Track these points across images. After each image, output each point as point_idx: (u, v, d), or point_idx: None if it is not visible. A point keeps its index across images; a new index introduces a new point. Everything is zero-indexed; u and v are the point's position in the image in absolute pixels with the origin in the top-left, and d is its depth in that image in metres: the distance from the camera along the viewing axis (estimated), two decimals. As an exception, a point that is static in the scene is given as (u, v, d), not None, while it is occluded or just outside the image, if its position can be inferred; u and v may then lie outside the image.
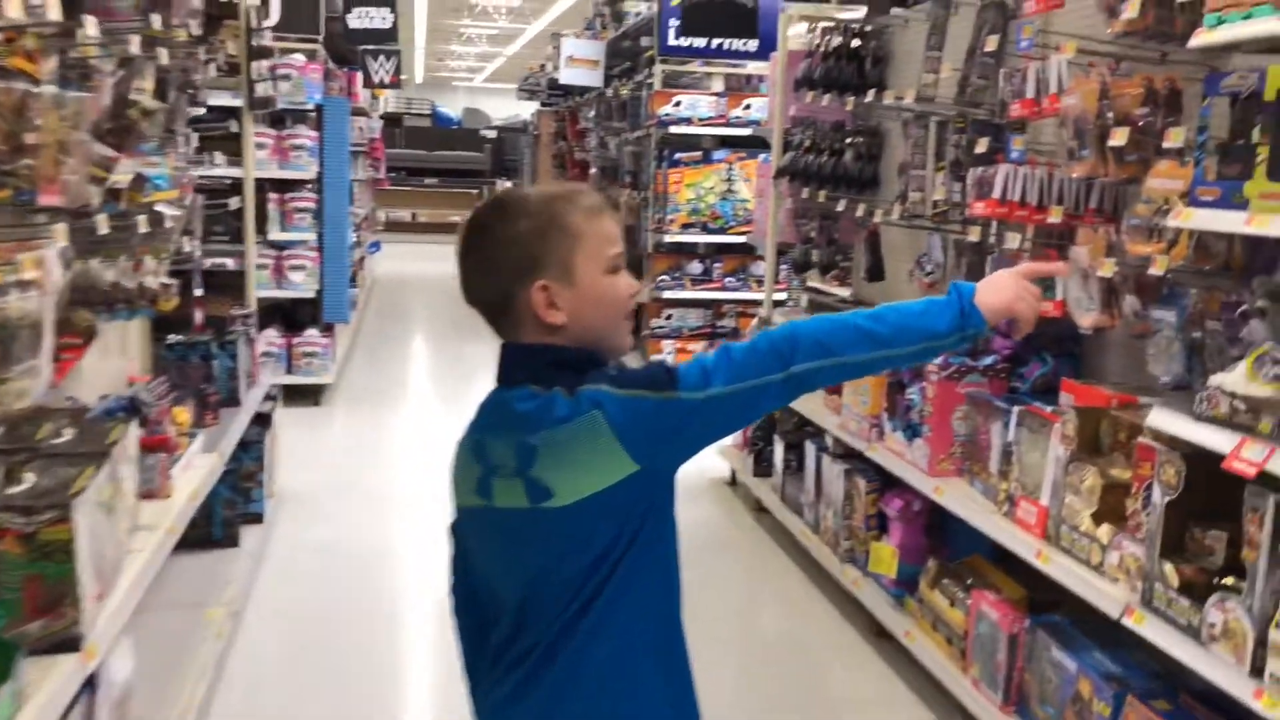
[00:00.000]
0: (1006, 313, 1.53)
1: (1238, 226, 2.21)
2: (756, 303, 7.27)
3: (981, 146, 3.59)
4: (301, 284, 7.22)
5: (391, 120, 25.54)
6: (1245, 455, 2.18)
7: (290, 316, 7.52)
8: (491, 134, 23.84)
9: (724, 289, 8.04)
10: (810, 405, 4.70)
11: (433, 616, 4.03)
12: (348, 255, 7.78)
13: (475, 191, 22.96)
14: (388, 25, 8.60)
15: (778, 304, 6.75)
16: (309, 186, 7.16)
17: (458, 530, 1.65)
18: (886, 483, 4.06)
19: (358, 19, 8.56)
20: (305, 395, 7.45)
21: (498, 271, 1.52)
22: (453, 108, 28.65)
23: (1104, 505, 2.80)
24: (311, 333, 7.48)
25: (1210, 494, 2.43)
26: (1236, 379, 2.30)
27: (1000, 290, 1.54)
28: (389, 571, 4.73)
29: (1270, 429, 2.20)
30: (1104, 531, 2.75)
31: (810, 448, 4.70)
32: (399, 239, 21.56)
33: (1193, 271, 2.85)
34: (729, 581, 4.71)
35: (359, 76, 10.40)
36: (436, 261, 17.40)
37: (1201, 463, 2.38)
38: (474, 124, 26.41)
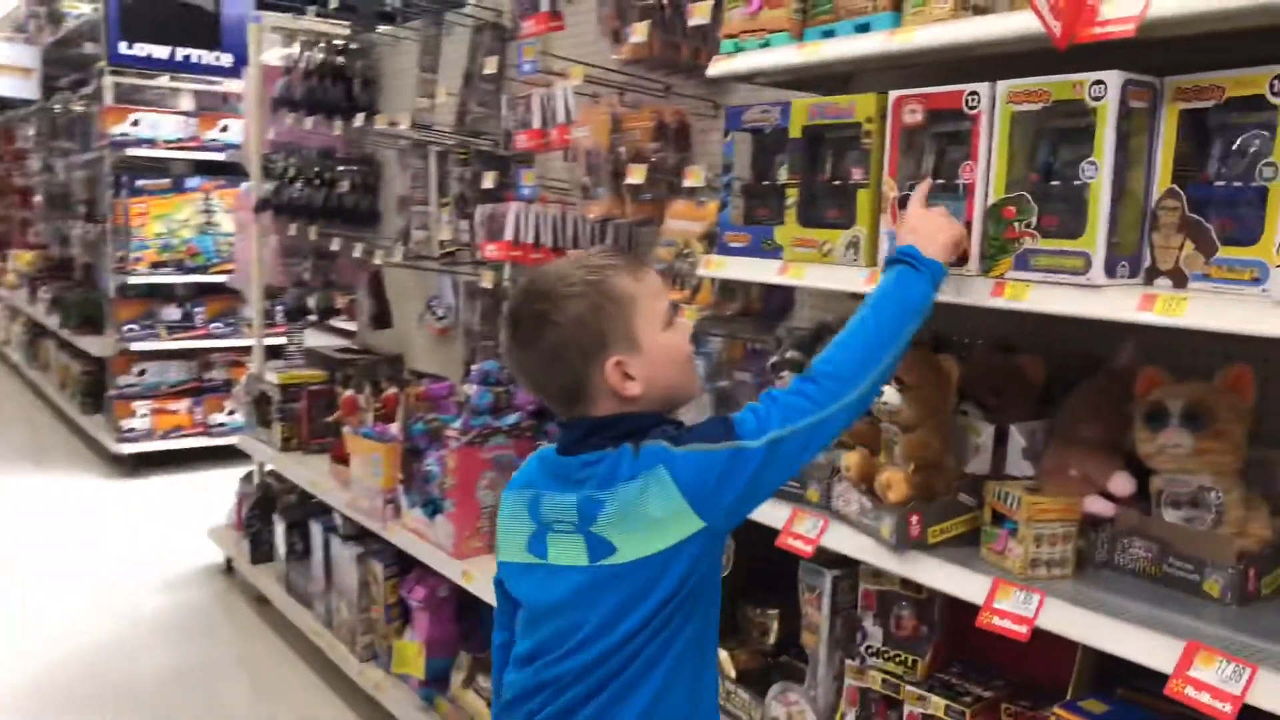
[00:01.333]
0: (952, 248, 1.63)
1: (770, 276, 1.99)
2: (248, 349, 6.35)
3: (489, 181, 3.20)
4: None
5: None
6: (798, 530, 1.96)
7: None
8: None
9: (210, 336, 6.97)
10: (314, 478, 4.03)
11: None
12: None
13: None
14: None
15: (274, 353, 5.93)
16: None
17: (505, 585, 1.64)
18: (407, 566, 3.52)
19: None
20: None
21: (564, 359, 1.50)
22: None
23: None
24: None
25: (760, 561, 2.22)
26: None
27: (937, 231, 1.63)
28: None
29: (819, 496, 2.00)
30: (651, 615, 2.45)
31: (316, 529, 4.01)
32: None
33: (713, 318, 2.67)
34: (227, 696, 3.86)
35: None
36: None
37: (747, 531, 2.14)
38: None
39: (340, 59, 4.58)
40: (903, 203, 1.77)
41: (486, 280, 3.23)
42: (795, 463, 1.51)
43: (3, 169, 11.32)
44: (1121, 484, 1.72)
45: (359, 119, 3.94)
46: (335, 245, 4.14)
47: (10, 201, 11.30)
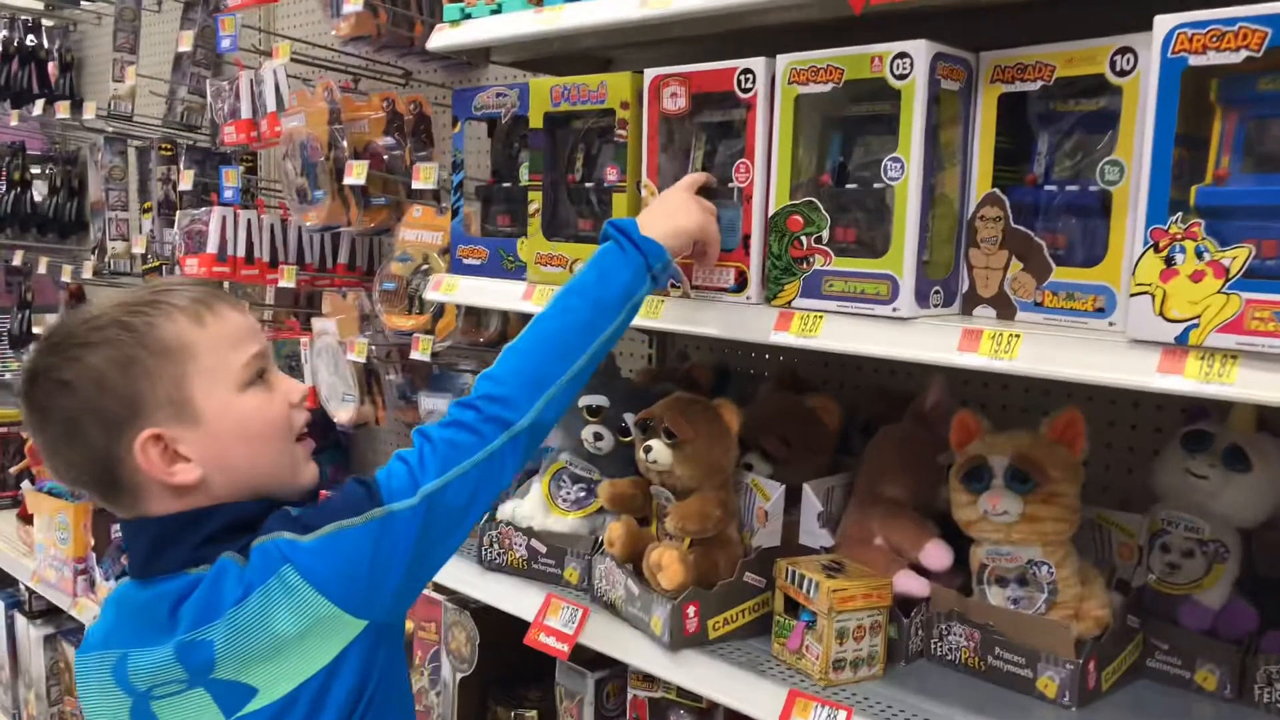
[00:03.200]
0: (685, 235, 1.29)
1: (514, 302, 1.58)
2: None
3: (186, 182, 2.63)
4: None
5: None
6: (551, 623, 1.55)
7: None
8: None
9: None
10: (1, 542, 3.31)
11: None
12: None
13: None
14: None
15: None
16: None
17: None
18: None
19: None
20: None
21: (81, 435, 1.08)
22: None
23: (384, 675, 2.03)
24: None
25: (514, 648, 1.80)
26: (532, 508, 1.67)
27: (674, 211, 1.31)
28: None
29: (579, 577, 1.60)
30: None
31: (-1, 603, 3.29)
32: None
33: (465, 347, 2.24)
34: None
35: None
36: None
37: (498, 614, 1.72)
38: None
39: (31, 37, 3.84)
40: (670, 210, 1.39)
41: (189, 303, 2.67)
42: (466, 517, 1.14)
43: None
44: (936, 555, 1.40)
45: (39, 107, 3.26)
46: (17, 259, 3.43)
47: None
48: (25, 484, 3.11)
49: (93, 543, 2.80)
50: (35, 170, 3.95)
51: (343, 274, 2.63)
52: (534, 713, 1.78)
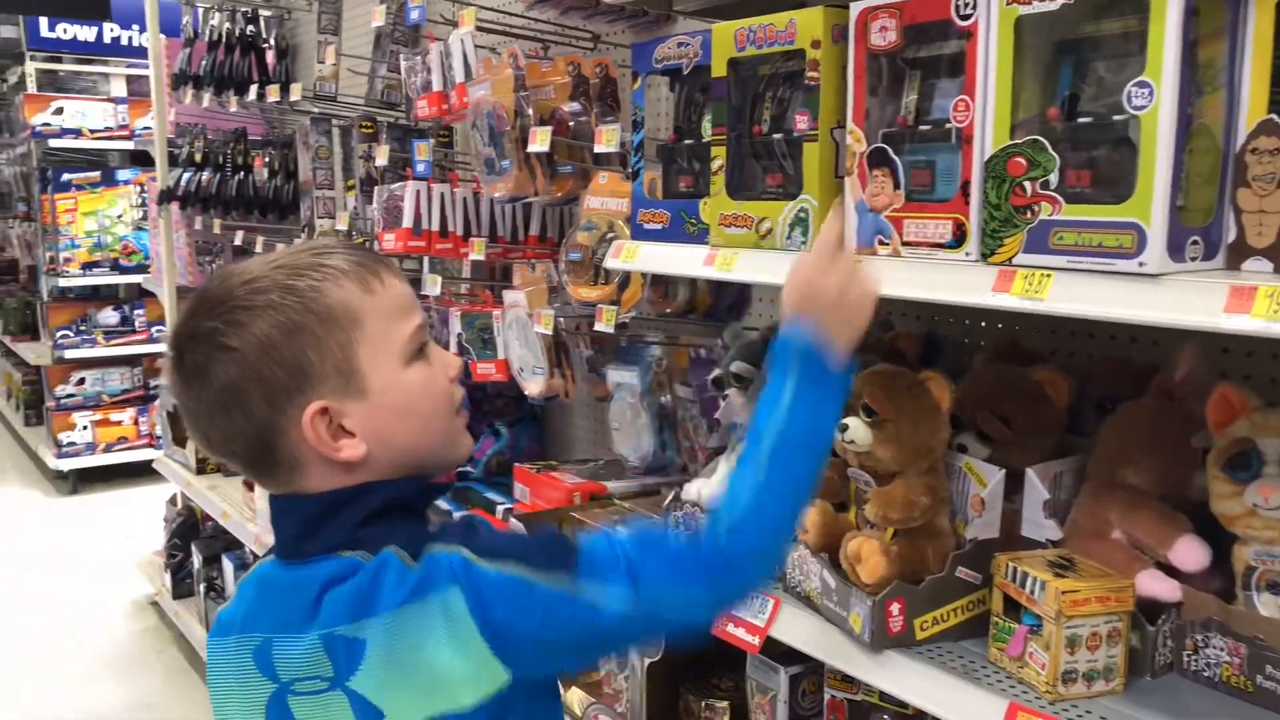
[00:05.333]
0: (861, 332, 1.10)
1: (695, 268, 1.47)
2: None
3: (382, 157, 2.66)
4: None
5: None
6: (741, 614, 1.44)
7: None
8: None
9: (152, 340, 6.45)
10: (226, 506, 3.52)
11: None
12: None
13: None
14: None
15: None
16: None
17: None
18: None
19: None
20: None
21: (242, 404, 1.00)
22: None
23: (574, 653, 1.99)
24: None
25: (707, 636, 1.70)
26: (715, 491, 1.57)
27: (857, 309, 1.09)
28: None
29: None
30: (576, 698, 1.94)
31: (229, 564, 3.51)
32: None
33: (652, 318, 2.15)
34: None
35: None
36: None
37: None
38: None
39: (251, 28, 4.04)
40: (873, 159, 1.24)
41: (387, 277, 2.71)
42: (654, 637, 1.10)
43: (-47, 168, 10.80)
44: (1189, 553, 1.19)
45: (252, 93, 3.41)
46: (238, 239, 3.61)
47: (-36, 202, 10.79)
48: (248, 453, 3.28)
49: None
50: (256, 155, 4.15)
51: (534, 245, 2.60)
52: (725, 704, 1.68)
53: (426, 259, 3.01)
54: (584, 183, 2.22)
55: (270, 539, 1.11)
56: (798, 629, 1.38)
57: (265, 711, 1.03)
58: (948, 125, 1.17)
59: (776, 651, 1.50)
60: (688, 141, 1.57)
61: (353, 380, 1.03)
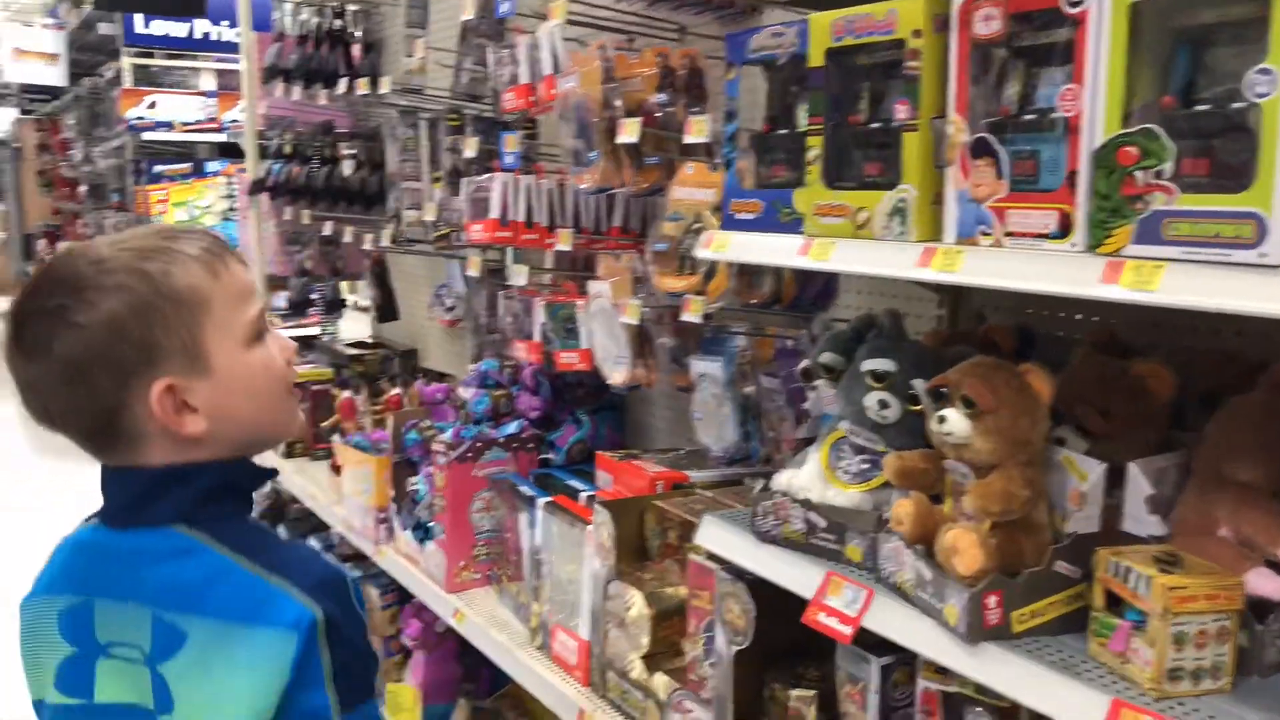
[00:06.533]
0: None
1: (790, 258, 1.47)
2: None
3: (471, 149, 2.71)
4: None
5: None
6: (832, 603, 1.44)
7: None
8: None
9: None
10: (313, 488, 3.61)
11: None
12: None
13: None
14: None
15: (304, 344, 5.56)
16: None
17: None
18: (406, 595, 3.08)
19: None
20: None
21: (87, 380, 1.08)
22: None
23: (660, 640, 2.01)
24: None
25: (789, 623, 1.70)
26: (809, 479, 1.57)
27: None
28: None
29: (862, 555, 1.48)
30: (661, 683, 1.96)
31: (315, 546, 3.60)
32: None
33: (737, 309, 2.15)
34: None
35: None
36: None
37: (772, 587, 1.63)
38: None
39: (339, 21, 4.12)
40: (975, 148, 1.23)
41: (473, 267, 2.75)
42: None
43: (51, 161, 11.23)
44: (1301, 552, 1.17)
45: (342, 86, 3.48)
46: (327, 229, 3.70)
47: (61, 193, 11.21)
48: (335, 438, 3.36)
49: (392, 494, 2.98)
50: (341, 145, 4.23)
51: (617, 236, 2.62)
52: (813, 693, 1.68)
53: (510, 249, 3.06)
54: (669, 174, 2.23)
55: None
56: (891, 620, 1.37)
57: (62, 675, 1.12)
58: (1054, 114, 1.16)
59: (866, 642, 1.50)
60: (782, 131, 1.58)
61: (198, 360, 1.10)
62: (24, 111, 12.63)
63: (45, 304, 1.08)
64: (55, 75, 8.13)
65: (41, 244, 11.87)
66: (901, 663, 1.47)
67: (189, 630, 1.07)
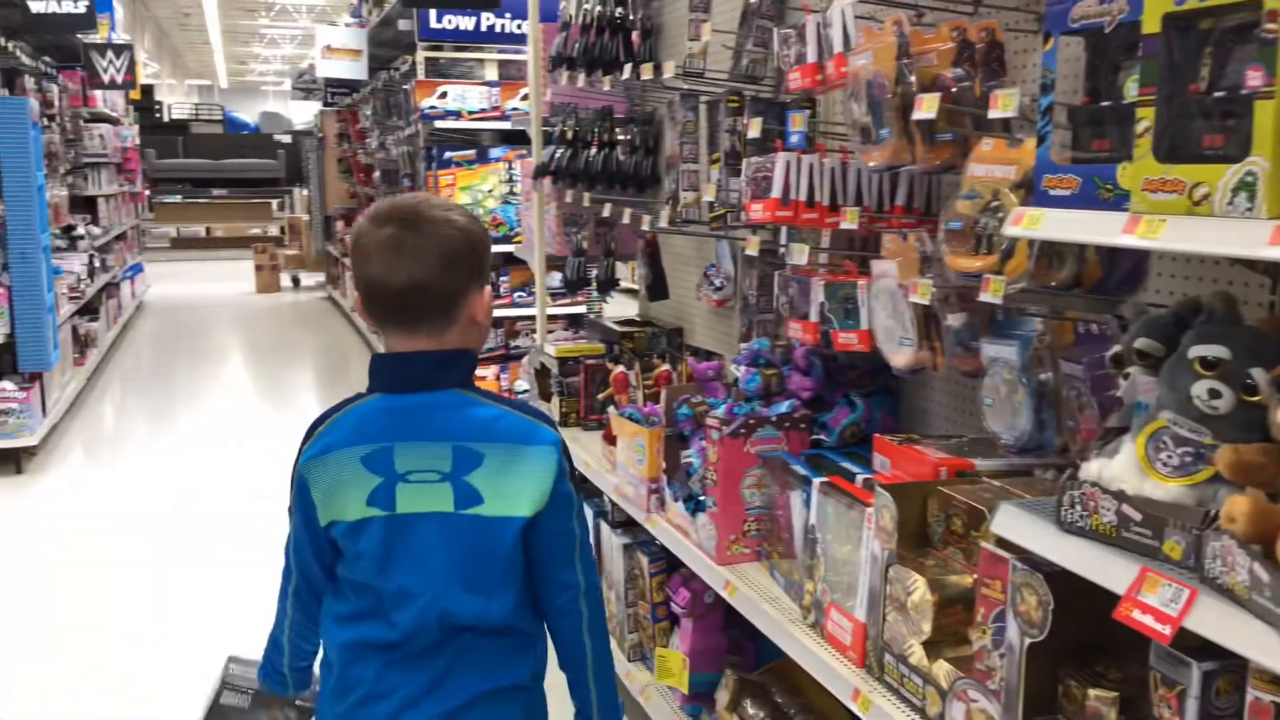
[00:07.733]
0: None
1: (1113, 236, 1.40)
2: (554, 317, 6.30)
3: (754, 130, 2.74)
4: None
5: (176, 127, 23.48)
6: (1148, 600, 1.37)
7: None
8: (287, 139, 22.07)
9: (514, 305, 7.04)
10: (588, 457, 3.79)
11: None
12: (47, 287, 6.40)
13: (275, 201, 21.30)
14: (81, 10, 7.13)
15: (572, 321, 5.84)
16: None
17: (339, 540, 1.66)
18: (676, 563, 3.18)
19: (41, 3, 7.04)
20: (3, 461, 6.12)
21: (456, 267, 1.62)
22: (258, 114, 26.92)
23: (941, 627, 1.98)
24: (4, 385, 6.11)
25: (1088, 619, 1.63)
26: (1123, 470, 1.49)
27: None
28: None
29: (1182, 553, 1.40)
30: (942, 671, 1.93)
31: (589, 511, 3.78)
32: (190, 257, 19.76)
33: (1035, 290, 2.06)
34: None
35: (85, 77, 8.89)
36: (227, 282, 15.80)
37: (1072, 580, 1.57)
38: (271, 129, 24.58)
39: (619, 9, 4.27)
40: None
41: (751, 246, 2.79)
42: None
43: (350, 149, 12.31)
44: None
45: (625, 71, 3.60)
46: (605, 211, 3.85)
47: (358, 179, 12.27)
48: (610, 409, 3.51)
49: (664, 465, 3.08)
50: (618, 130, 4.39)
51: (900, 215, 2.58)
52: (1114, 694, 1.60)
53: (785, 229, 3.07)
54: (963, 151, 2.17)
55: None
56: (1218, 623, 1.29)
57: (372, 497, 1.60)
58: None
59: (1183, 645, 1.41)
60: (1105, 103, 1.50)
61: (486, 283, 1.70)
62: (326, 104, 13.95)
63: (428, 212, 1.63)
64: (358, 70, 8.90)
65: (340, 225, 13.06)
66: (1225, 670, 1.38)
67: (485, 452, 1.62)
